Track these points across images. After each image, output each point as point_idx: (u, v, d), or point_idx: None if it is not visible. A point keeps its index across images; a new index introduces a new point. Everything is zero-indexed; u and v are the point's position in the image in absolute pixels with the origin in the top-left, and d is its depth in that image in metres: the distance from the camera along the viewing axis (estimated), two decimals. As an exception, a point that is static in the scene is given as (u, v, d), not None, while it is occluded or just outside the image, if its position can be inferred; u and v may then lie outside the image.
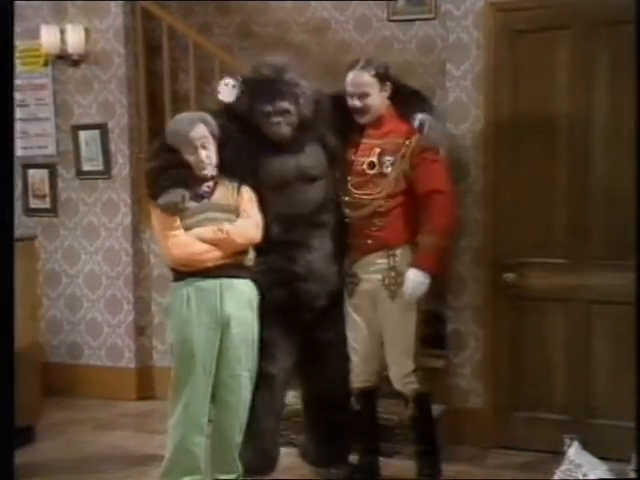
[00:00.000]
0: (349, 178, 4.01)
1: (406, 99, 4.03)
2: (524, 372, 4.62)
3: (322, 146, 4.00)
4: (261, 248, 3.90)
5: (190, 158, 3.81)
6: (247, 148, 3.89)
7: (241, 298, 3.86)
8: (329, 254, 4.00)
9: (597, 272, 4.43)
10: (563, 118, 4.48)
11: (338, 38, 5.95)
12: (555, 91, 4.48)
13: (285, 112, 3.87)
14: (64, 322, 5.97)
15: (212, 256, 3.79)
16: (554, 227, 4.52)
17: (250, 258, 3.90)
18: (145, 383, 5.76)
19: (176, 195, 3.76)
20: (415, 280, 3.87)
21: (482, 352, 4.67)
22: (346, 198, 4.01)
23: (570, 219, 4.48)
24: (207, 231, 3.79)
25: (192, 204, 3.80)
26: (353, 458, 4.25)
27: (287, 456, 4.29)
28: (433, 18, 5.65)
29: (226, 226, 3.80)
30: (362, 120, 4.00)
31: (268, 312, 3.92)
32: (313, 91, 3.95)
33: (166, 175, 3.80)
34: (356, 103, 3.96)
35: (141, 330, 5.83)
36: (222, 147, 3.86)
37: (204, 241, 3.77)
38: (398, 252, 3.95)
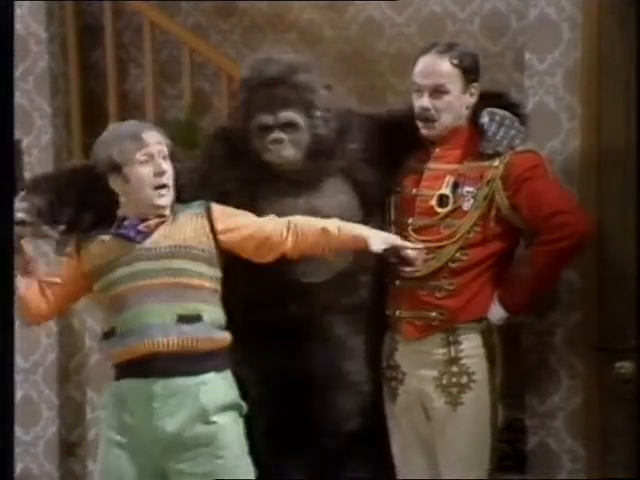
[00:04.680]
0: (409, 221, 3.99)
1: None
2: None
3: (350, 183, 4.02)
4: (246, 340, 3.82)
5: (139, 172, 3.71)
6: (233, 185, 3.94)
7: (196, 408, 3.72)
8: (362, 351, 3.99)
9: None
10: None
11: (363, 17, 5.89)
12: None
13: (290, 126, 3.91)
14: (-49, 438, 5.80)
15: None
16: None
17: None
18: (74, 528, 5.59)
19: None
20: (496, 315, 4.01)
21: (585, 480, 4.46)
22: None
23: None
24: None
25: (112, 246, 3.76)
26: None
27: None
28: (505, -15, 5.65)
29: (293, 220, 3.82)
30: (430, 132, 3.99)
31: (268, 437, 3.89)
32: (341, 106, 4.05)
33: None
34: (424, 102, 3.93)
35: (69, 449, 5.62)
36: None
37: None
38: (462, 338, 3.96)
